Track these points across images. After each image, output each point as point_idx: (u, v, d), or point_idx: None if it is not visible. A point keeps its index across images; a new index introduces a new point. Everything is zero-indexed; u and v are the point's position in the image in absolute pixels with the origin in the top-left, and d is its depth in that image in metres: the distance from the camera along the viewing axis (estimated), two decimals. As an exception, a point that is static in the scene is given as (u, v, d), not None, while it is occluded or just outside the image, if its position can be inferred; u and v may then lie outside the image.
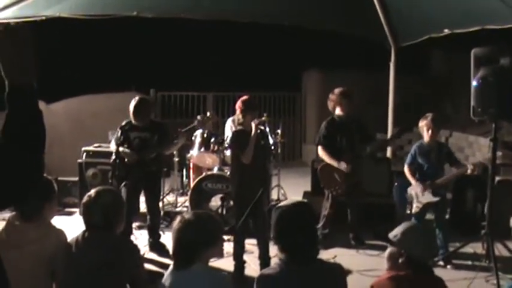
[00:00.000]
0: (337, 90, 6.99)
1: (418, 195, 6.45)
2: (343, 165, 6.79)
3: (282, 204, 3.46)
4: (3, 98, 2.01)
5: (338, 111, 6.97)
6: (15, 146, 1.98)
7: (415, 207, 6.50)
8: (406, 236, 3.41)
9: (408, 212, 6.66)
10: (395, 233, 3.47)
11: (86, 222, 3.69)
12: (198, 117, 6.72)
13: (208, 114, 6.84)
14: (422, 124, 6.46)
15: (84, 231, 3.67)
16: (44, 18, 7.00)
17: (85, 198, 3.71)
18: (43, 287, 3.75)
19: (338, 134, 6.91)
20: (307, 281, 3.23)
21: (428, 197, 6.42)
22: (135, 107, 6.58)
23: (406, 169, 6.64)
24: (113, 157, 6.21)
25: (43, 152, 2.06)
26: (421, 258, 3.37)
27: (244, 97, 6.18)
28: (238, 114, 6.16)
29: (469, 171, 6.32)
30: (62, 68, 13.36)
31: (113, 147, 6.59)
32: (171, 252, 3.54)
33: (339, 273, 3.42)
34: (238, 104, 6.10)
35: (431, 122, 6.39)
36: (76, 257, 3.59)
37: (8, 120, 1.99)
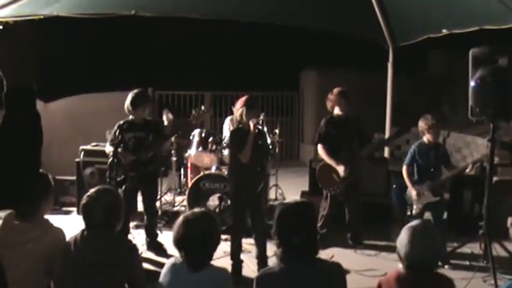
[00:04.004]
0: (336, 90, 6.98)
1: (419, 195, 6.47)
2: (341, 169, 6.79)
3: (285, 201, 3.52)
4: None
5: (337, 110, 6.96)
6: (12, 147, 1.98)
7: (416, 208, 6.51)
8: (401, 239, 3.40)
9: (408, 213, 6.66)
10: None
11: (86, 221, 3.69)
12: (193, 111, 6.66)
13: (203, 108, 6.74)
14: (424, 125, 6.46)
15: (83, 230, 3.68)
16: (42, 17, 6.99)
17: (84, 198, 3.72)
18: (41, 286, 3.75)
19: (337, 133, 6.89)
20: (306, 281, 3.23)
21: (429, 197, 6.43)
22: (132, 99, 6.58)
23: (404, 169, 6.64)
24: (110, 158, 6.20)
25: (40, 152, 2.06)
26: (421, 259, 3.33)
27: (244, 97, 6.11)
28: (236, 114, 6.12)
29: (468, 170, 6.34)
30: (60, 67, 13.32)
31: (108, 148, 6.56)
32: (168, 251, 3.56)
33: (339, 273, 3.42)
34: (240, 104, 6.03)
35: (436, 124, 6.40)
36: (74, 256, 3.59)
37: (6, 121, 1.99)
